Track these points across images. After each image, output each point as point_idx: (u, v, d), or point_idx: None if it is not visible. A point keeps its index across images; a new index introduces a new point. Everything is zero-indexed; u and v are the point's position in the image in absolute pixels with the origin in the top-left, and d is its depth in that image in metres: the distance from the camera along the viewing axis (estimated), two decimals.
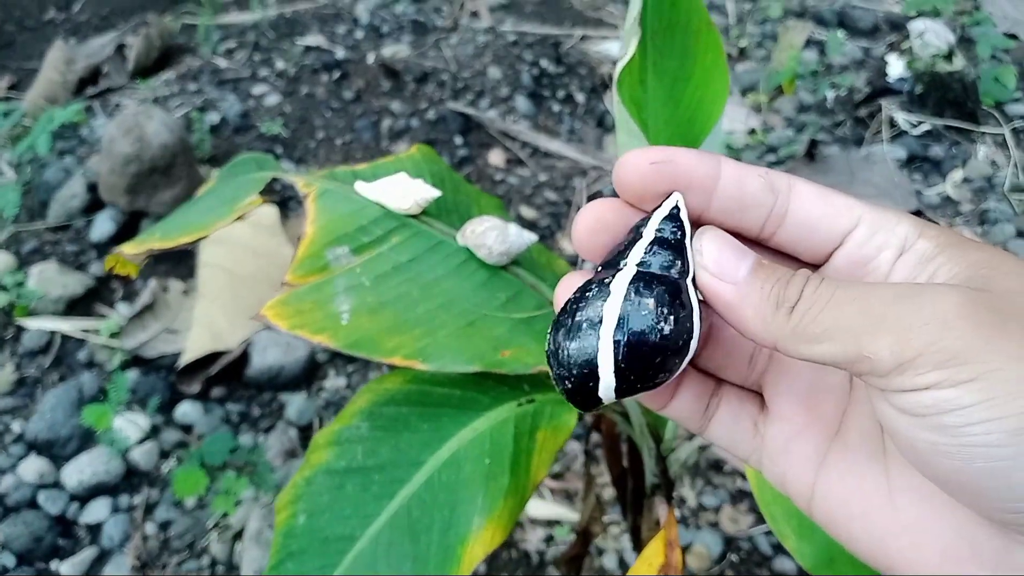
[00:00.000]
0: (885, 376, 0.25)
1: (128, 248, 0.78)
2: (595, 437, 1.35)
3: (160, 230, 0.80)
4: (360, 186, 0.78)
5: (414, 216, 0.78)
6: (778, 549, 1.36)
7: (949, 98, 2.17)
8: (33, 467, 1.42)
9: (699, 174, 0.31)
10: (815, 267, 0.33)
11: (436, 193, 0.77)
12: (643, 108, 0.74)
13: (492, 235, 0.74)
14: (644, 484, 0.89)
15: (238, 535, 1.33)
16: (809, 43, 2.61)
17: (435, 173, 0.85)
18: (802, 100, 2.40)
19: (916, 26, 2.22)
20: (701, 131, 0.75)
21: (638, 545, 1.02)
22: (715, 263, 0.30)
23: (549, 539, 1.37)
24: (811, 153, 2.08)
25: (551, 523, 1.40)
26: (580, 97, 2.32)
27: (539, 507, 1.41)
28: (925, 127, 2.19)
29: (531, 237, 0.76)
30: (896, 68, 2.23)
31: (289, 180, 0.79)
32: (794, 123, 2.32)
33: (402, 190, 0.76)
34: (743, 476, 1.46)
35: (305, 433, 1.50)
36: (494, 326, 0.74)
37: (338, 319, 0.73)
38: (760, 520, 1.39)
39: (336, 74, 2.22)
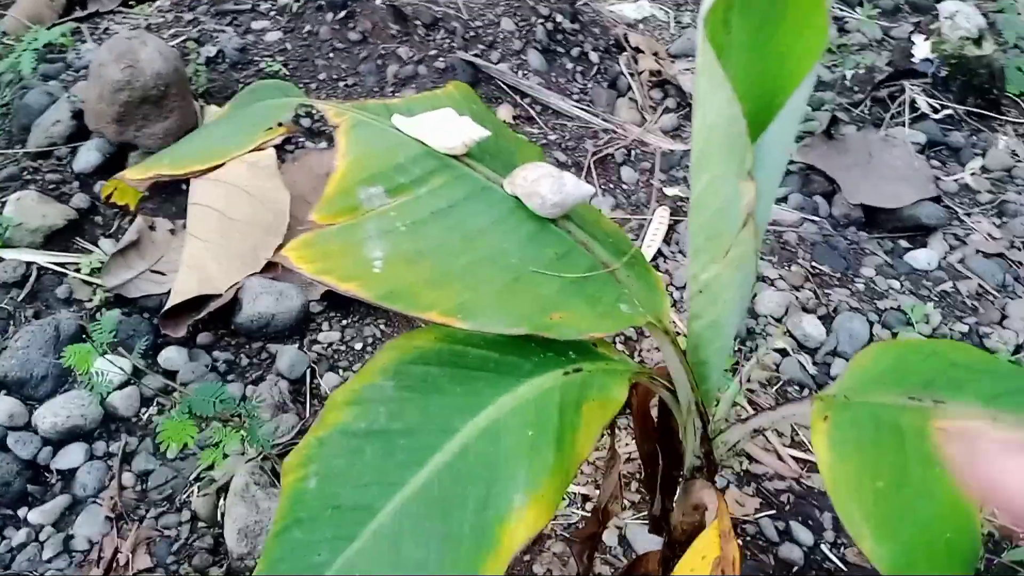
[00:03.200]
0: None
1: (132, 173, 0.69)
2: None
3: (169, 156, 0.71)
4: (399, 120, 0.70)
5: (456, 157, 0.70)
6: (784, 535, 1.31)
7: (974, 84, 2.11)
8: (3, 407, 1.33)
9: None
10: None
11: (485, 133, 0.69)
12: (725, 52, 0.66)
13: (546, 184, 0.66)
14: (680, 465, 0.82)
15: (222, 490, 1.25)
16: None
17: (475, 113, 0.77)
18: (820, 76, 2.32)
19: (947, 7, 2.15)
20: (784, 86, 0.68)
21: (659, 528, 0.96)
22: None
23: None
24: (830, 131, 2.01)
25: None
26: (594, 57, 2.23)
27: None
28: (947, 112, 2.12)
29: (588, 189, 0.68)
30: (922, 49, 2.16)
31: (319, 108, 0.71)
32: (810, 99, 2.25)
33: (448, 127, 0.68)
34: (749, 458, 1.41)
35: (296, 386, 1.42)
36: (542, 285, 0.66)
37: (370, 266, 0.65)
38: (767, 506, 1.34)
39: (341, 13, 2.11)
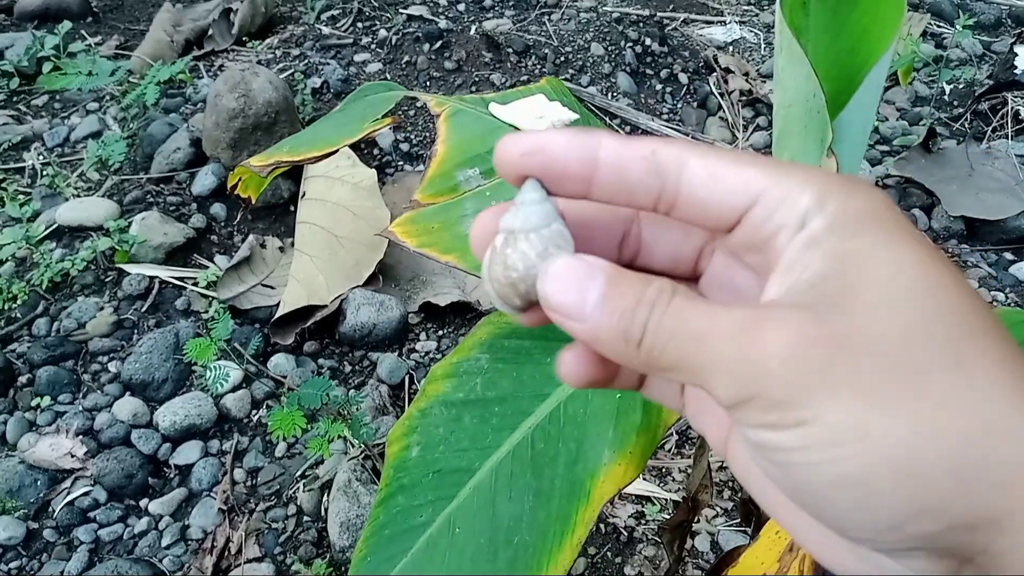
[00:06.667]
0: (725, 407, 0.26)
1: (256, 160, 0.76)
2: None
3: (288, 144, 0.78)
4: (495, 107, 0.75)
5: None
6: None
7: None
8: (128, 407, 1.43)
9: (572, 163, 0.29)
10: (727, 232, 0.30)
11: (573, 116, 0.72)
12: (803, 33, 0.69)
13: None
14: None
15: (326, 486, 1.31)
16: (925, 35, 2.50)
17: (567, 104, 0.81)
18: (917, 92, 2.29)
19: None
20: (863, 62, 0.69)
21: (749, 519, 0.96)
22: (559, 305, 0.29)
23: (640, 516, 1.32)
24: (927, 144, 1.98)
25: (641, 499, 1.35)
26: (683, 78, 2.26)
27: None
28: None
29: None
30: None
31: (422, 99, 0.76)
32: (907, 115, 2.21)
33: (539, 112, 0.73)
34: None
35: (396, 392, 1.48)
36: None
37: (467, 241, 0.69)
38: None
39: (437, 44, 2.21)
